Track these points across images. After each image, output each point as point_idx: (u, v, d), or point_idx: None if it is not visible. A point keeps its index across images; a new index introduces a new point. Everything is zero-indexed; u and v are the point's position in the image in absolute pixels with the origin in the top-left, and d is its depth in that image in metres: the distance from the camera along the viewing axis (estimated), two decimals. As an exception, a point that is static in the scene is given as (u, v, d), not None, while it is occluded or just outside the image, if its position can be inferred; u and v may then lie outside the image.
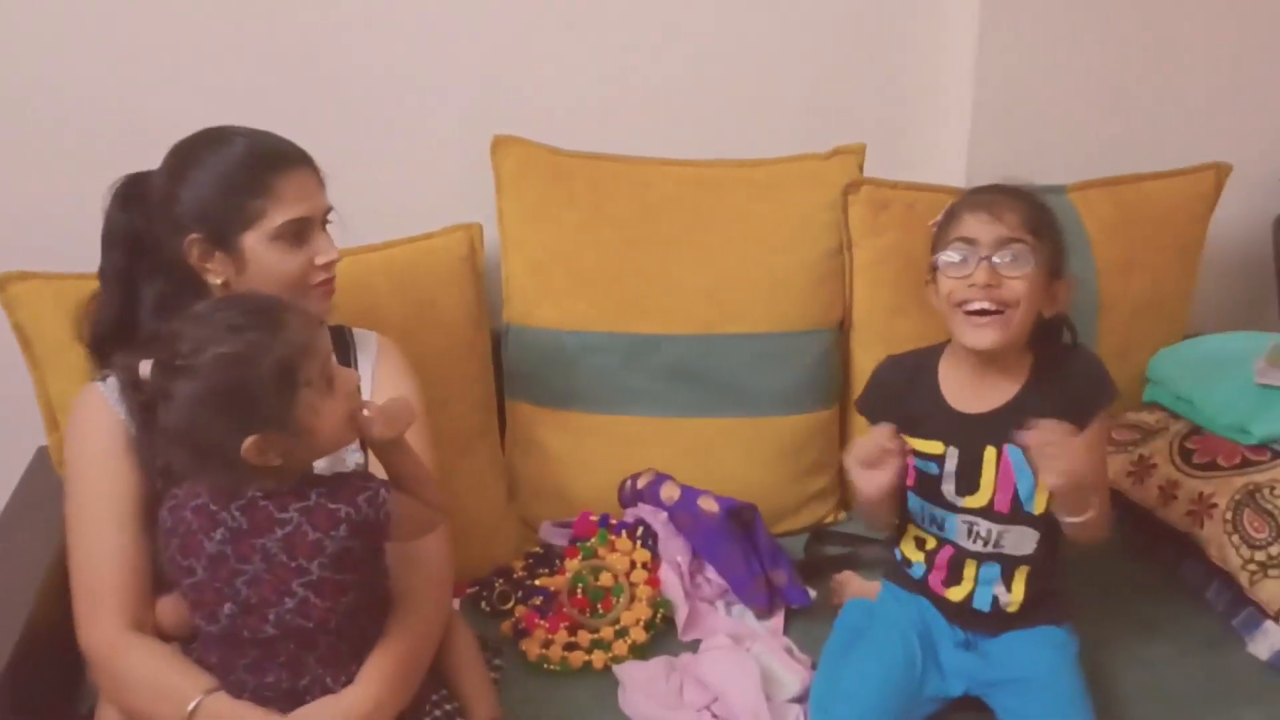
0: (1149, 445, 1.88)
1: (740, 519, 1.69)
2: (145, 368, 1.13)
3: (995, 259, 1.42)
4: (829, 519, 2.00)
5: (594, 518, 1.81)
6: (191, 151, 1.35)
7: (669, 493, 1.74)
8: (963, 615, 1.54)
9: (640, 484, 1.81)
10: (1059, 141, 2.14)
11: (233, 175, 1.32)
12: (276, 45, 1.89)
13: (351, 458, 1.43)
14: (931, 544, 1.55)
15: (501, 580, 1.79)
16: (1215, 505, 1.69)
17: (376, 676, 1.25)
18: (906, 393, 1.55)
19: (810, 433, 1.94)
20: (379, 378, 1.50)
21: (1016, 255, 1.42)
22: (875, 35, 2.12)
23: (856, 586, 1.70)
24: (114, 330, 1.37)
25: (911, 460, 1.52)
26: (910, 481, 1.53)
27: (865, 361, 1.94)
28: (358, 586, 1.22)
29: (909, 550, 1.58)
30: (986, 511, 1.50)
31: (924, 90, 2.15)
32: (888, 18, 2.12)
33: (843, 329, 1.99)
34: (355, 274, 1.79)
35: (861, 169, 1.97)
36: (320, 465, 1.28)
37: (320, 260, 1.38)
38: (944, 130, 2.17)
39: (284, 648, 1.21)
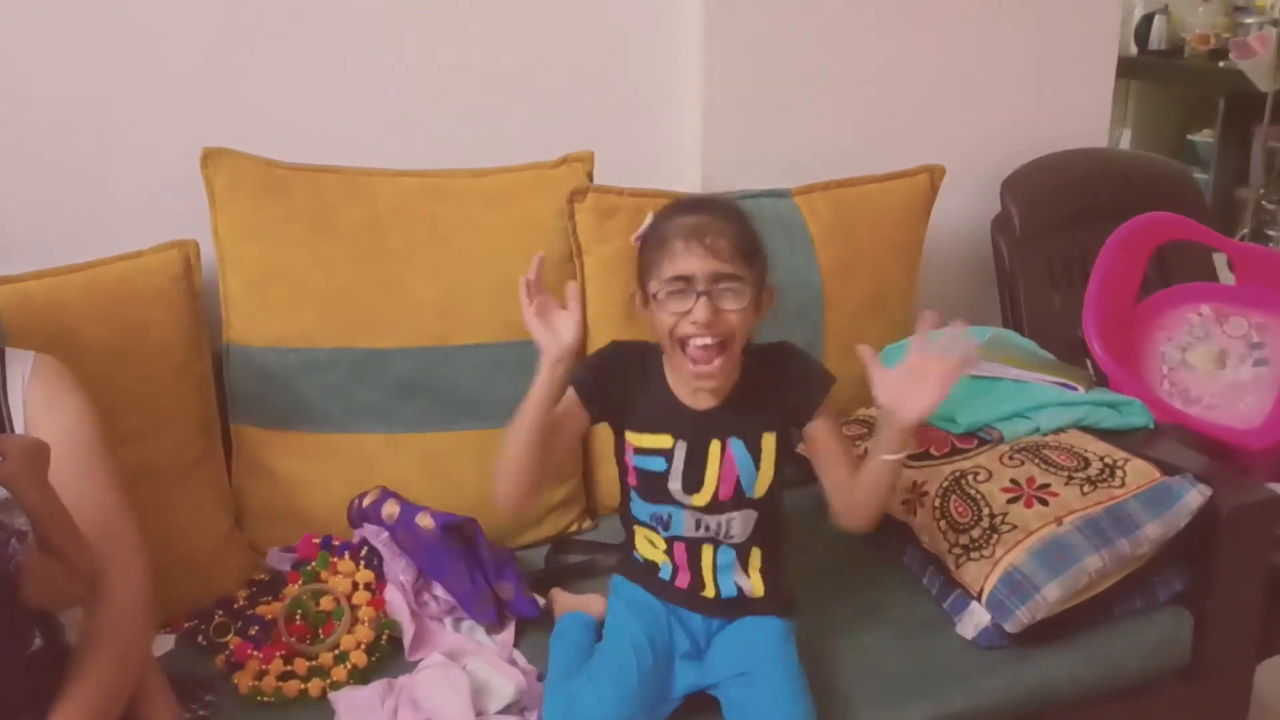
0: (874, 439, 1.93)
1: (460, 534, 1.66)
2: None
3: (713, 294, 1.42)
4: (573, 528, 1.99)
5: (316, 540, 1.74)
6: None
7: (389, 510, 1.70)
8: (708, 608, 1.56)
9: (365, 503, 1.76)
10: (785, 146, 2.21)
11: None
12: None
13: None
14: (663, 543, 1.56)
15: (221, 612, 1.71)
16: (926, 493, 1.75)
17: None
18: (634, 382, 1.55)
19: (547, 442, 1.93)
20: (31, 403, 1.39)
21: (735, 290, 1.43)
22: (606, 43, 2.14)
23: (567, 601, 1.70)
24: None
25: (631, 460, 1.52)
26: (633, 481, 1.54)
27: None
28: None
29: (646, 550, 1.59)
30: (711, 505, 1.52)
31: (656, 98, 2.18)
32: (618, 25, 2.14)
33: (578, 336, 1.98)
34: (49, 297, 1.69)
35: (591, 177, 1.97)
36: None
37: None
38: (676, 137, 2.20)
39: None
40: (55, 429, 1.36)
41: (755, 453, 1.52)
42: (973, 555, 1.66)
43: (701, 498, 1.52)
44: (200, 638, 1.67)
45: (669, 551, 1.56)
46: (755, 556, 1.56)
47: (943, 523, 1.71)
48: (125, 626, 1.33)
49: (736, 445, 1.51)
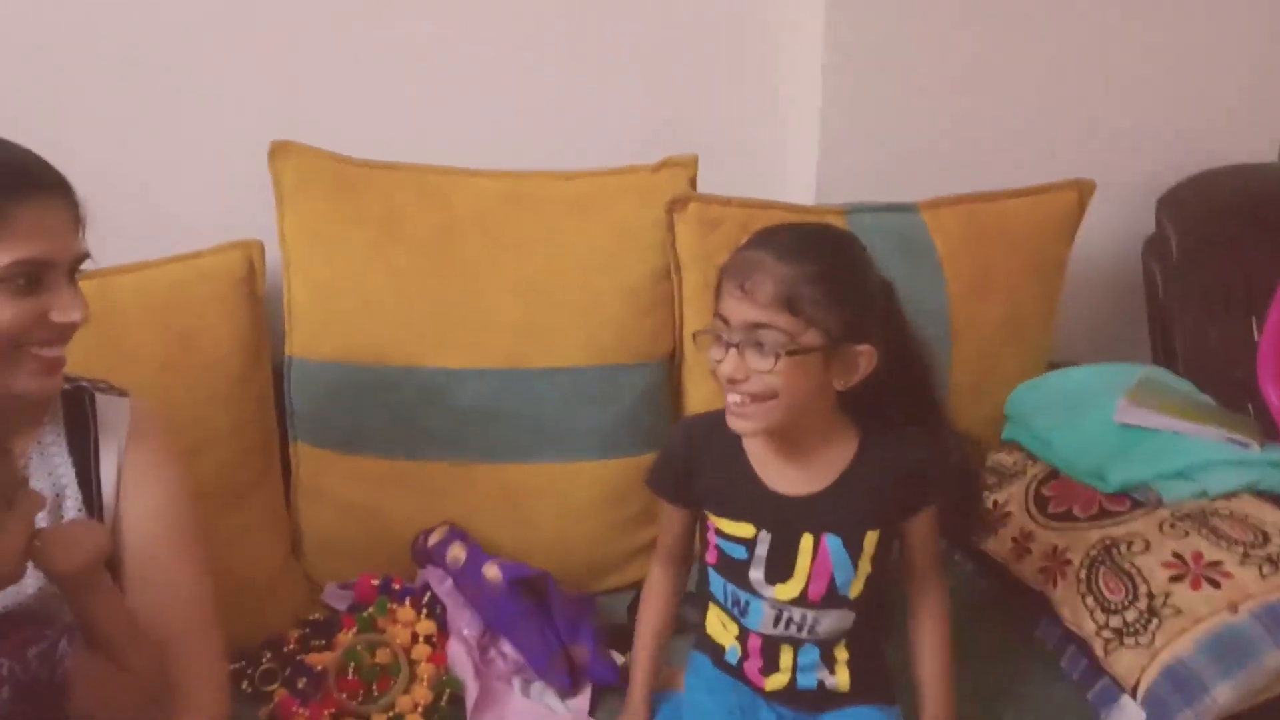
0: (1005, 490, 1.70)
1: (531, 587, 1.47)
2: None
3: (743, 346, 1.19)
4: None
5: (375, 581, 1.58)
6: None
7: (454, 555, 1.52)
8: (785, 698, 1.34)
9: (431, 541, 1.58)
10: (912, 155, 1.97)
11: None
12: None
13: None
14: (737, 630, 1.35)
15: (270, 655, 1.55)
16: (1069, 562, 1.51)
17: None
18: (708, 464, 1.32)
19: (634, 478, 1.71)
20: (128, 470, 1.18)
21: (764, 343, 1.18)
22: (712, 32, 1.94)
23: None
24: None
25: (713, 538, 1.32)
26: (712, 559, 1.33)
27: (699, 398, 1.75)
28: None
29: (717, 632, 1.38)
30: (799, 601, 1.30)
31: (767, 95, 1.97)
32: (730, 20, 1.93)
33: (674, 362, 1.78)
34: (97, 300, 1.53)
35: (694, 183, 1.77)
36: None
37: (57, 317, 1.08)
38: (790, 141, 1.98)
39: None
40: (147, 506, 1.18)
41: (855, 551, 1.28)
42: (1126, 641, 1.41)
43: (787, 591, 1.29)
44: (245, 683, 1.52)
45: (741, 639, 1.35)
46: (843, 650, 1.33)
47: (1089, 599, 1.47)
48: (208, 693, 1.17)
49: (833, 542, 1.28)
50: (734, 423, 1.23)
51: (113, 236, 1.65)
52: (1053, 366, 1.91)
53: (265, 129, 1.69)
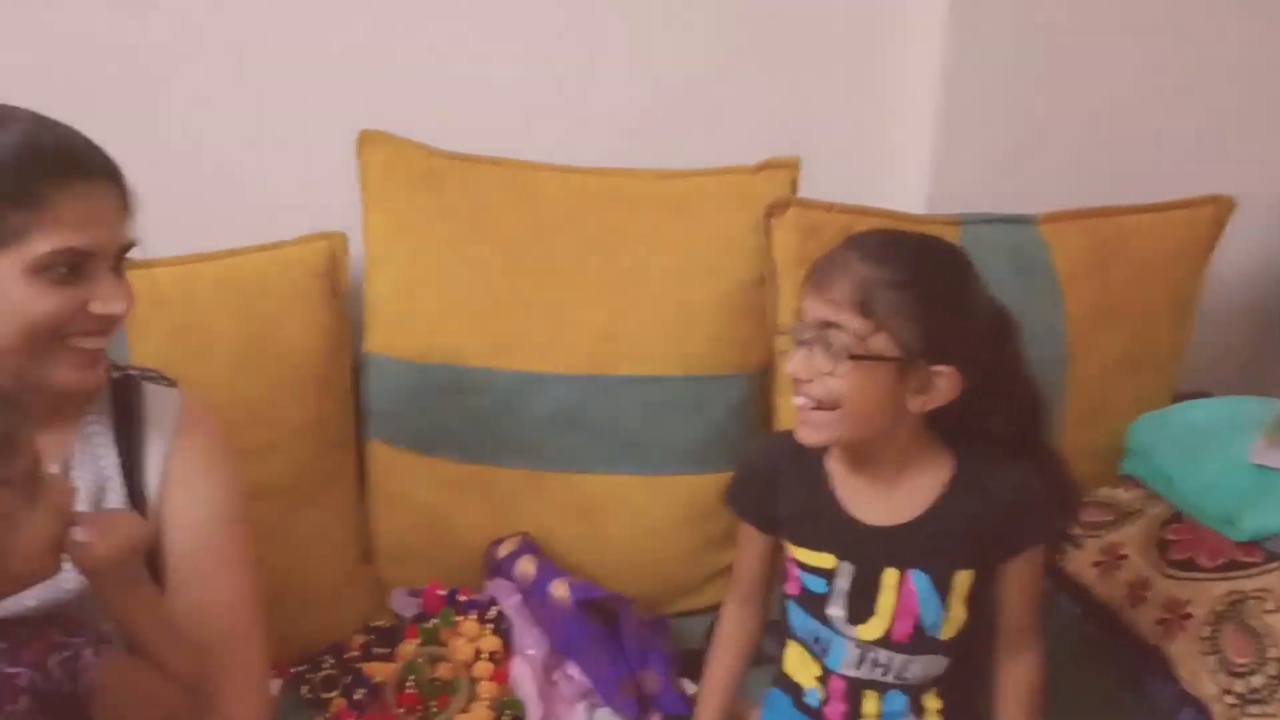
0: (1121, 530, 1.57)
1: (601, 609, 1.39)
2: None
3: (813, 344, 1.11)
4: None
5: (442, 591, 1.52)
6: None
7: (524, 569, 1.45)
8: None
9: (501, 553, 1.52)
10: (1033, 165, 1.83)
11: None
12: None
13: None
14: (818, 669, 1.24)
15: (332, 661, 1.51)
16: (1191, 616, 1.38)
17: None
18: (789, 486, 1.23)
19: (718, 497, 1.61)
20: (176, 464, 1.13)
21: (831, 344, 1.09)
22: (827, 35, 1.83)
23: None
24: None
25: (795, 569, 1.22)
26: (793, 590, 1.23)
27: (790, 413, 1.63)
28: None
29: (796, 671, 1.27)
30: (883, 642, 1.19)
31: (877, 97, 1.85)
32: (840, 17, 1.83)
33: (766, 374, 1.69)
34: (177, 288, 1.52)
35: (795, 187, 1.67)
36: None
37: (98, 308, 1.02)
38: (900, 146, 1.87)
39: None
40: (193, 503, 1.13)
41: (944, 590, 1.17)
42: (1252, 710, 1.28)
43: (869, 630, 1.19)
44: (305, 688, 1.48)
45: (823, 680, 1.24)
46: (934, 699, 1.22)
47: (1212, 659, 1.33)
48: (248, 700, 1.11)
49: (919, 579, 1.17)
50: (799, 431, 1.16)
51: (198, 222, 1.66)
52: (1181, 398, 1.76)
53: (356, 117, 1.65)
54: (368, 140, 1.64)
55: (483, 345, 1.60)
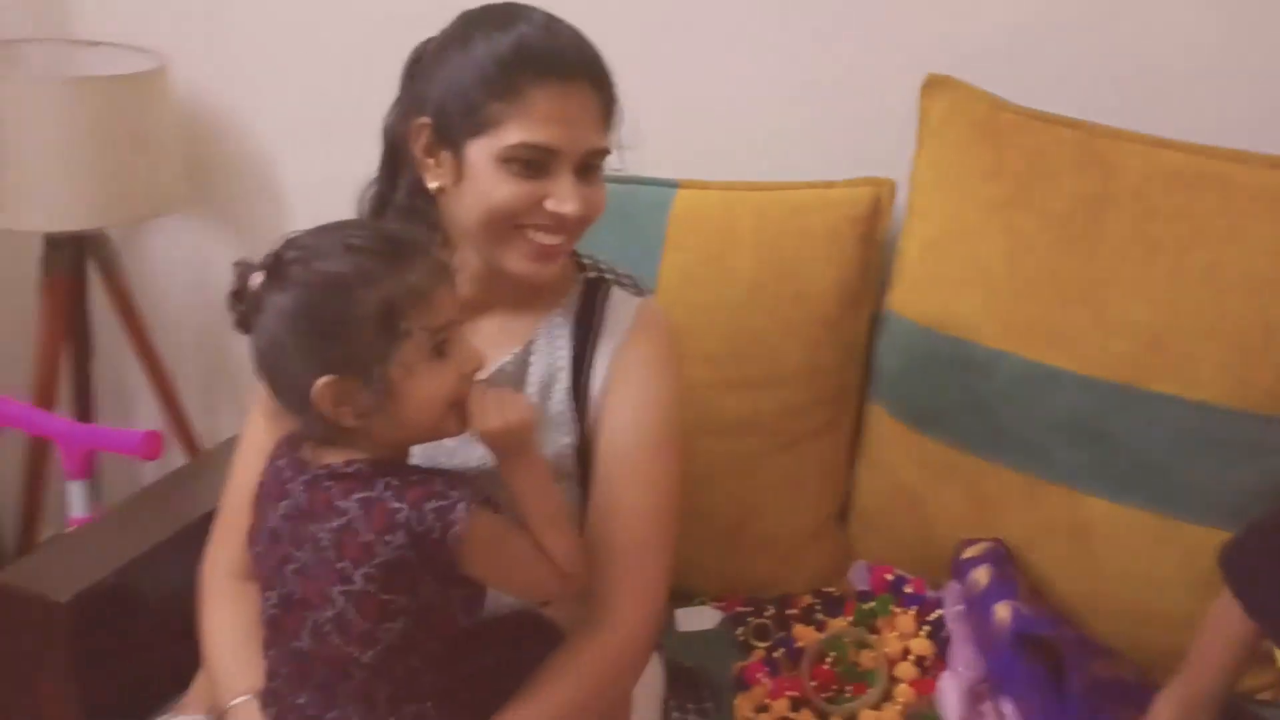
0: None
1: (1044, 646, 1.19)
2: (256, 278, 0.97)
3: None
4: (1265, 694, 1.37)
5: (889, 576, 1.40)
6: (469, 24, 1.10)
7: (977, 578, 1.28)
8: None
9: (965, 554, 1.36)
10: None
11: (486, 66, 1.04)
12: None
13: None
14: None
15: (773, 611, 1.47)
16: None
17: None
18: None
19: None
20: (617, 372, 1.15)
21: None
22: None
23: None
24: None
25: None
26: None
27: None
28: (408, 615, 0.97)
29: None
30: None
31: None
32: None
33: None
34: (720, 210, 1.56)
35: None
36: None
37: (551, 205, 1.06)
38: None
39: (317, 667, 1.00)
40: (627, 406, 1.14)
41: None
42: None
43: None
44: (740, 630, 1.46)
45: None
46: None
47: None
48: (607, 670, 1.10)
49: None
50: None
51: (751, 154, 1.67)
52: None
53: (926, 61, 1.54)
54: (933, 84, 1.53)
55: (1003, 325, 1.43)
